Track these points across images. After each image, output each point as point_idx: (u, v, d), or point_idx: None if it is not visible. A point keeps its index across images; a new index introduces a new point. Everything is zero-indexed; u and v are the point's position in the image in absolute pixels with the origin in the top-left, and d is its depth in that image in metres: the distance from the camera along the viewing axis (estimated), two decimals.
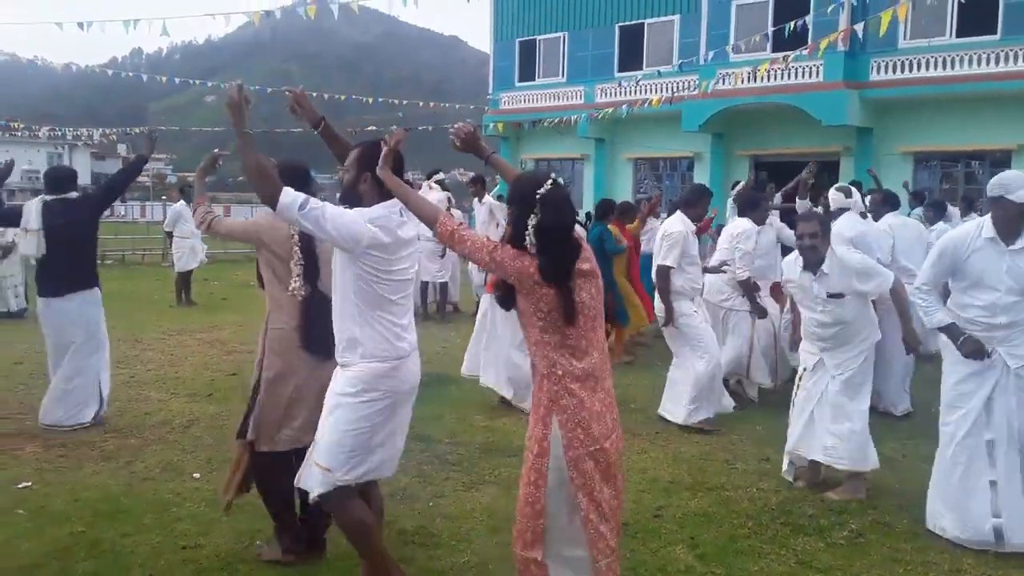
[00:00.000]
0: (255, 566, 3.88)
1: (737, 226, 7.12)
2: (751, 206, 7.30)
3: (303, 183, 3.54)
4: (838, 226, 6.37)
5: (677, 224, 6.48)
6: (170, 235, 13.50)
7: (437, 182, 11.37)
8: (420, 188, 11.48)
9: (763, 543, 4.26)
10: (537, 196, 2.82)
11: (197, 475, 5.10)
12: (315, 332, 3.69)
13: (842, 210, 7.01)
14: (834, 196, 7.19)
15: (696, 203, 6.65)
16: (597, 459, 2.87)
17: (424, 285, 11.58)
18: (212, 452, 5.50)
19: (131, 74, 27.39)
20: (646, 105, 18.02)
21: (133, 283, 15.67)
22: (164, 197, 27.54)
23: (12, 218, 6.55)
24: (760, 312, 7.04)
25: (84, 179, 33.91)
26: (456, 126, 3.45)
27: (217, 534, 4.21)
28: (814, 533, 4.39)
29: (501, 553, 3.81)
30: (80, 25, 13.61)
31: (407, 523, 4.40)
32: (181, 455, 5.50)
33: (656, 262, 6.45)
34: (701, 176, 23.51)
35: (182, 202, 13.33)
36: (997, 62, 18.01)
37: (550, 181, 2.87)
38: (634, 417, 6.64)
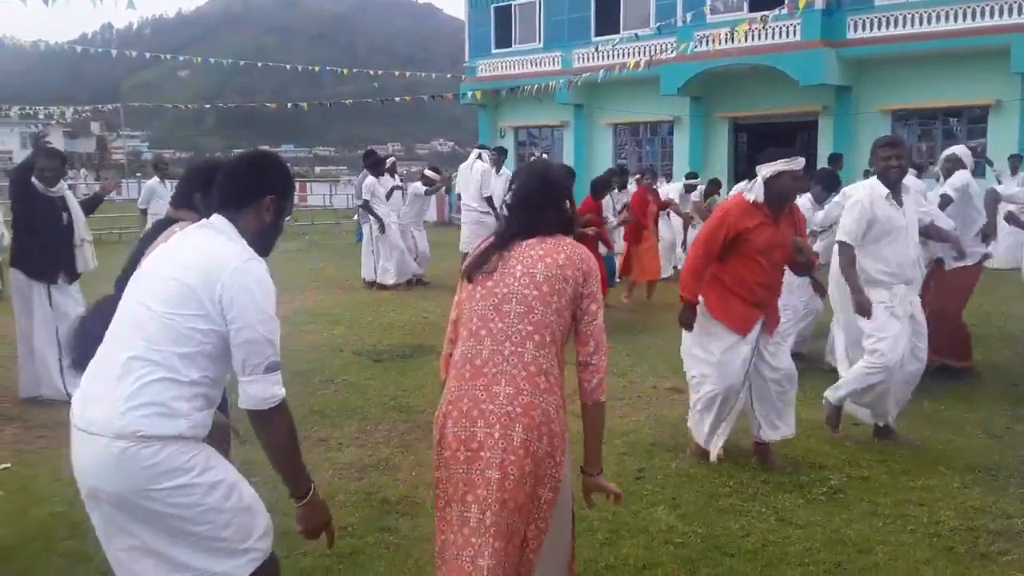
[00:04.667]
0: None
1: None
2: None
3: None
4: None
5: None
6: (144, 212, 13.29)
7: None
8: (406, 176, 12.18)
9: (744, 501, 4.29)
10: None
11: None
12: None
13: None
14: (963, 152, 6.94)
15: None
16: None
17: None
18: None
19: (100, 50, 26.86)
20: (624, 69, 17.95)
21: (105, 262, 15.47)
22: (139, 174, 27.20)
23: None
24: None
25: None
26: None
27: None
28: (794, 490, 4.43)
29: None
30: (44, 0, 13.33)
31: (390, 493, 4.40)
32: None
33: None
34: (681, 140, 23.46)
35: (156, 178, 13.14)
36: (973, 17, 18.00)
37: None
38: (616, 382, 6.66)
